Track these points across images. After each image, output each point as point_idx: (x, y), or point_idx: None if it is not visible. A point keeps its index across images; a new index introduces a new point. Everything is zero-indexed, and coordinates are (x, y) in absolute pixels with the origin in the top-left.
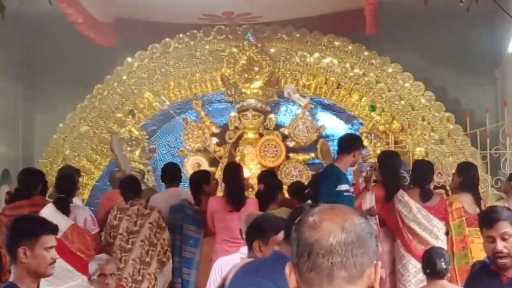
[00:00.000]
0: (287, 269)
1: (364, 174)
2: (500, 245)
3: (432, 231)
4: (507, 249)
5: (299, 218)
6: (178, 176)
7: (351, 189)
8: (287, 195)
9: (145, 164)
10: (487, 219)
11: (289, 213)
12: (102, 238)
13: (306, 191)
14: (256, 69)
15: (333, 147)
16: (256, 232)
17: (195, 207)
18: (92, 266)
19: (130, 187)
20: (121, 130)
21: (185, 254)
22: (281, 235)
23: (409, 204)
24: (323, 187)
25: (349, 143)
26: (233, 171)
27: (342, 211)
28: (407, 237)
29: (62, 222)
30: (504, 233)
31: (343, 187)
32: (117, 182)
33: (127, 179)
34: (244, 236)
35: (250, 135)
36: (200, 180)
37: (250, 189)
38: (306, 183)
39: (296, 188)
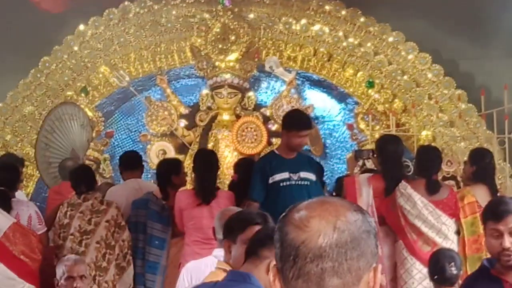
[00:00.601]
0: (271, 275)
1: (360, 163)
2: (508, 241)
3: (440, 229)
4: None
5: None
6: (140, 166)
7: (305, 175)
8: None
9: (100, 152)
10: (495, 211)
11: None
12: (50, 239)
13: None
14: (232, 38)
15: (323, 130)
16: (227, 230)
17: (162, 202)
18: (59, 269)
19: (83, 178)
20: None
21: (149, 257)
22: (249, 232)
23: (413, 198)
24: (251, 180)
25: (283, 123)
26: (206, 159)
27: (333, 206)
28: (410, 237)
29: (2, 220)
30: None
31: (280, 176)
32: (67, 173)
33: (79, 169)
34: (218, 236)
35: (225, 116)
36: (169, 170)
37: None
38: None
39: None
